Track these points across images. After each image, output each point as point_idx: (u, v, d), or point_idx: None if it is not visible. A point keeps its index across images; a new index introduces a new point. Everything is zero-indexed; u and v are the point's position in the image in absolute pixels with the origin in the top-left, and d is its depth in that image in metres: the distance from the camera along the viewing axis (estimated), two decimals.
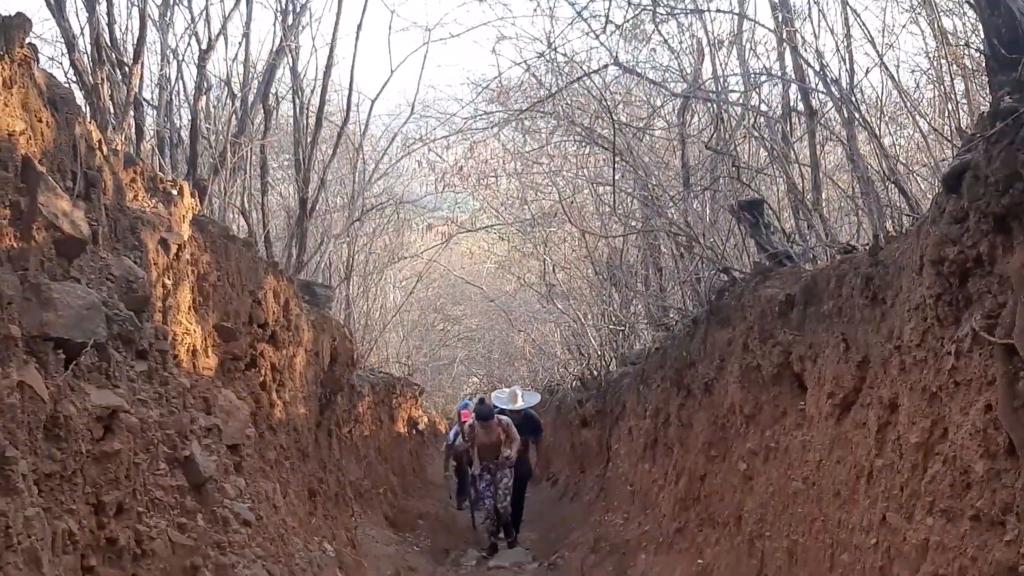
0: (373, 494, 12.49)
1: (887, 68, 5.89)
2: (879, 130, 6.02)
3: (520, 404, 13.68)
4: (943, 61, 5.58)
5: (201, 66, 8.34)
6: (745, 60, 8.49)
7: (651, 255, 12.11)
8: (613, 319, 13.99)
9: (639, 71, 9.37)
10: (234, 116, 9.17)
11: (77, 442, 3.09)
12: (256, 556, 4.78)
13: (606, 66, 8.87)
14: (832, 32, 6.51)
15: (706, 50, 9.18)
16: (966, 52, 5.21)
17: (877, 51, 5.81)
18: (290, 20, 9.51)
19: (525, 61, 9.72)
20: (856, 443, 4.49)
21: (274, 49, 9.35)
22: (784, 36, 7.01)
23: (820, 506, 4.89)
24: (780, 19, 7.09)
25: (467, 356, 32.68)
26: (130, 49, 6.93)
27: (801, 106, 7.37)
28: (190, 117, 8.18)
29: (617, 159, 9.14)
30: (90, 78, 6.10)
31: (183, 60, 8.80)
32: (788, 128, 7.71)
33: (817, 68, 6.54)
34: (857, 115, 6.09)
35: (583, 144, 11.05)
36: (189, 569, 3.94)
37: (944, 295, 3.46)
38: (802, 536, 5.12)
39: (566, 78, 9.64)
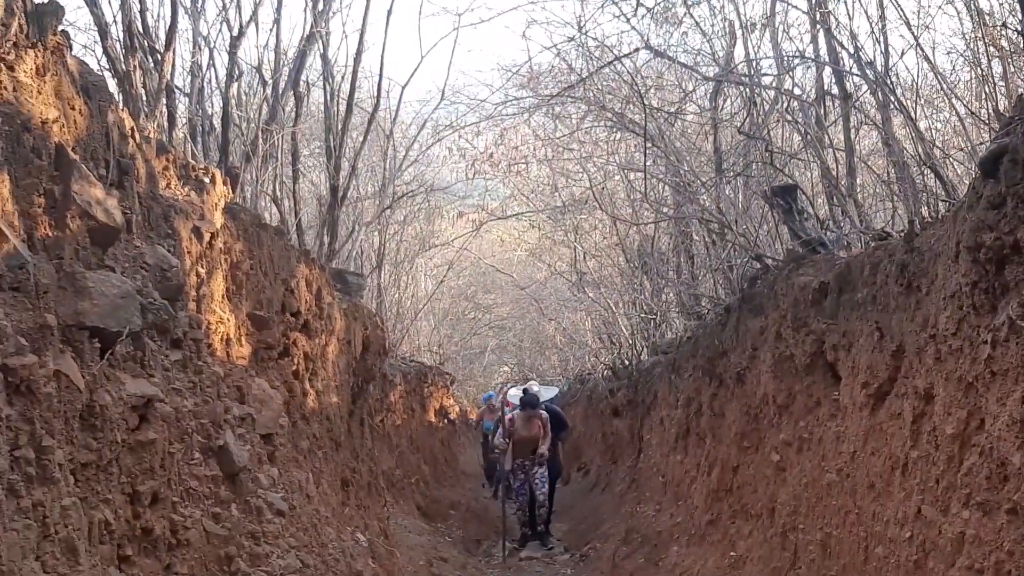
0: (405, 484, 12.55)
1: (922, 50, 5.81)
2: (915, 114, 5.94)
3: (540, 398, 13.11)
4: (980, 42, 5.50)
5: (232, 53, 8.38)
6: (778, 43, 8.41)
7: (683, 242, 12.07)
8: (644, 307, 13.94)
9: (670, 55, 9.30)
10: (265, 103, 9.20)
11: (112, 431, 3.12)
12: (290, 546, 4.82)
13: (637, 50, 8.82)
14: (866, 14, 6.44)
15: (738, 33, 9.11)
16: (1003, 33, 5.13)
17: (912, 33, 5.74)
18: (320, 6, 9.52)
19: (555, 45, 9.76)
20: (891, 434, 4.44)
21: (305, 35, 9.37)
22: (818, 18, 6.95)
23: (854, 498, 4.84)
24: (814, 1, 7.01)
25: (498, 345, 32.73)
26: (162, 36, 6.97)
27: (835, 89, 7.31)
28: (222, 104, 8.23)
29: (648, 145, 9.09)
30: (122, 65, 6.14)
31: (214, 47, 8.85)
32: (822, 112, 7.63)
33: (851, 51, 6.48)
34: (892, 98, 6.02)
35: (614, 129, 11.00)
36: (224, 559, 3.97)
37: (980, 282, 3.40)
38: (836, 529, 5.08)
39: (597, 62, 9.60)
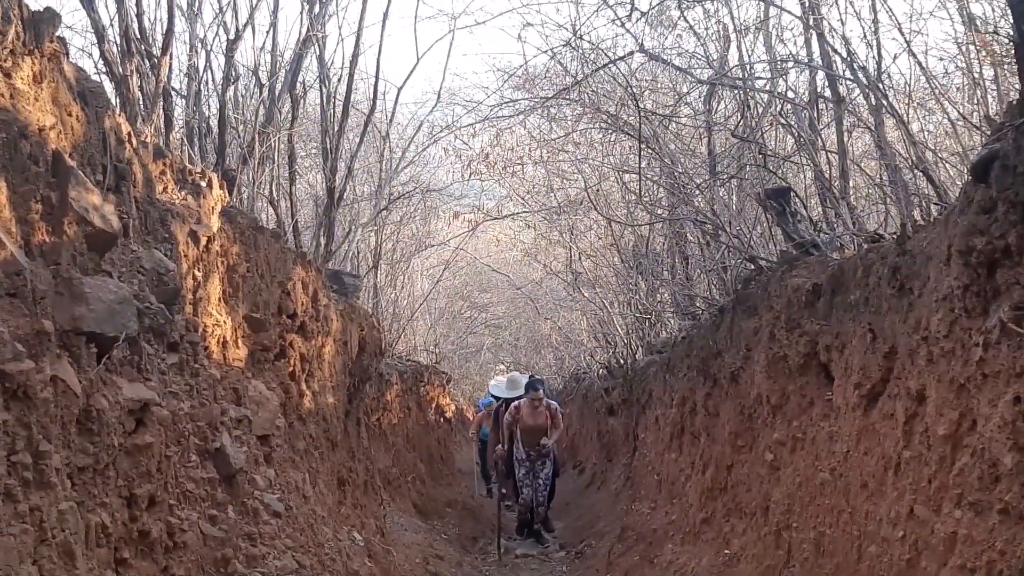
0: (401, 482, 12.56)
1: (914, 55, 5.84)
2: (907, 117, 5.97)
3: (520, 391, 12.73)
4: (971, 47, 5.53)
5: (229, 56, 8.39)
6: (771, 46, 8.45)
7: (677, 243, 12.08)
8: (639, 307, 13.97)
9: (665, 58, 9.33)
10: (262, 106, 9.22)
11: (109, 435, 3.14)
12: (286, 547, 4.84)
13: (632, 53, 8.84)
14: (859, 18, 6.48)
15: (732, 36, 9.14)
16: (995, 38, 5.16)
17: (905, 37, 5.77)
18: (317, 9, 9.53)
19: (551, 48, 9.73)
20: (883, 434, 4.47)
21: (301, 38, 9.38)
22: (811, 22, 6.97)
23: (847, 498, 4.87)
24: (807, 5, 7.04)
25: (494, 344, 32.79)
26: (159, 40, 6.98)
27: (828, 93, 7.33)
28: (218, 107, 8.24)
29: (643, 147, 9.11)
30: (119, 69, 6.15)
31: (211, 50, 8.87)
32: (815, 115, 7.66)
33: (844, 54, 6.50)
34: (885, 102, 6.04)
35: (609, 132, 11.01)
36: (220, 561, 3.99)
37: (972, 286, 3.43)
38: (829, 528, 5.11)
39: (592, 65, 9.62)
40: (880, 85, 6.08)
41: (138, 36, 6.68)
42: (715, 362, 8.31)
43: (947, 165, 5.95)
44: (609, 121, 10.16)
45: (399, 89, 18.23)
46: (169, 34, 6.65)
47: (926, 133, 6.80)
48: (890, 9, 5.94)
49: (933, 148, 6.19)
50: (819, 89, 7.72)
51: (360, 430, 9.24)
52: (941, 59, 6.83)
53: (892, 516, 4.18)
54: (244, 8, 8.88)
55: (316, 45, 9.97)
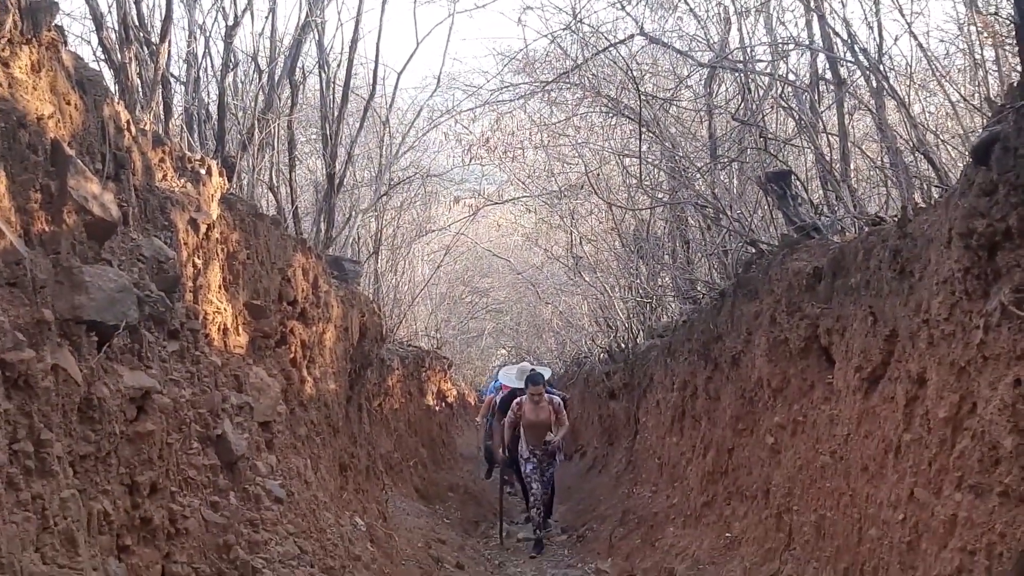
0: (403, 467, 12.60)
1: (915, 36, 5.82)
2: (908, 99, 5.95)
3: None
4: (973, 28, 5.51)
5: (228, 42, 8.36)
6: (772, 29, 8.42)
7: (678, 227, 12.08)
8: (640, 292, 13.97)
9: (665, 41, 9.30)
10: (261, 92, 9.19)
11: (111, 423, 3.14)
12: (288, 533, 4.86)
13: (632, 36, 8.82)
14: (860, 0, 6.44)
15: (733, 19, 9.11)
16: (996, 19, 5.14)
17: (905, 18, 5.74)
18: None
19: (551, 32, 9.70)
20: (884, 417, 4.48)
21: (300, 24, 9.35)
22: (811, 4, 6.94)
23: (848, 480, 4.89)
24: None
25: (495, 328, 32.86)
26: (158, 26, 6.95)
27: (829, 75, 7.31)
28: (218, 93, 8.21)
29: (644, 130, 9.10)
30: (118, 56, 6.13)
31: (210, 36, 8.83)
32: (816, 98, 7.64)
33: (845, 36, 6.48)
34: (886, 84, 6.02)
35: (609, 115, 10.99)
36: (222, 547, 4.01)
37: (973, 268, 3.43)
38: (830, 510, 5.12)
39: (592, 49, 9.60)
40: (881, 67, 6.06)
41: (136, 23, 6.66)
42: (716, 346, 8.33)
43: (948, 147, 5.94)
44: (610, 105, 10.14)
45: (399, 74, 18.26)
46: (168, 20, 6.62)
47: (927, 115, 6.77)
48: None
49: (934, 130, 6.17)
50: (820, 71, 7.70)
51: (362, 415, 9.26)
52: (942, 40, 6.84)
53: (893, 499, 4.19)
54: None
55: (315, 30, 9.94)
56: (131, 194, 3.97)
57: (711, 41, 9.51)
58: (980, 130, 4.10)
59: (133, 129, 4.23)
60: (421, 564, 7.89)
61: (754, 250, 7.71)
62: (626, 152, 11.30)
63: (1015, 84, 3.36)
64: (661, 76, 11.11)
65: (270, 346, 6.02)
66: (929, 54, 5.80)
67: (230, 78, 8.58)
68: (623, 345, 15.56)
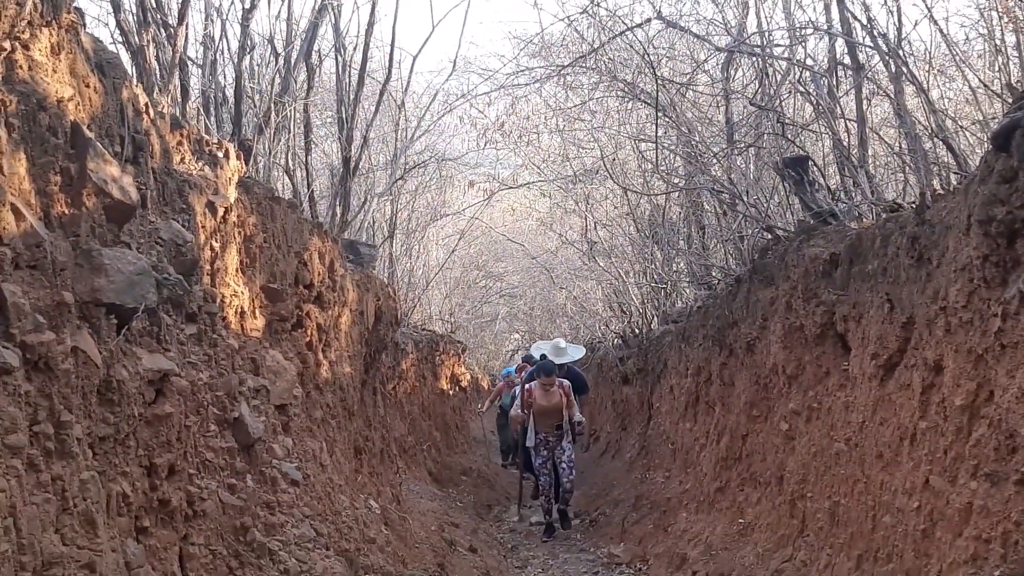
0: (417, 450, 12.64)
1: (935, 21, 5.77)
2: (927, 85, 5.91)
3: (567, 358, 12.44)
4: (993, 13, 5.46)
5: (245, 25, 8.35)
6: (791, 13, 8.36)
7: (694, 213, 12.05)
8: (655, 277, 13.94)
9: (682, 25, 9.24)
10: (278, 75, 9.18)
11: (130, 406, 3.17)
12: (304, 515, 4.89)
13: (649, 20, 8.75)
14: None
15: (751, 2, 9.07)
16: (1017, 3, 5.09)
17: (926, 3, 5.70)
18: None
19: (567, 16, 9.65)
20: (900, 405, 4.47)
21: (317, 6, 9.32)
22: None
23: (862, 468, 4.88)
24: None
25: (509, 313, 32.85)
26: (175, 9, 6.95)
27: (847, 60, 7.26)
28: (234, 77, 8.21)
29: (660, 115, 9.05)
30: (136, 39, 6.13)
31: (227, 19, 8.82)
32: (834, 83, 7.59)
33: (864, 21, 6.43)
34: (905, 69, 5.98)
35: (626, 100, 10.94)
36: (239, 529, 4.04)
37: (991, 256, 3.41)
38: (844, 497, 5.12)
39: (609, 32, 9.54)
40: (900, 52, 6.02)
41: (154, 5, 6.65)
42: (731, 332, 8.31)
43: (967, 133, 5.89)
44: (626, 89, 10.09)
45: (414, 57, 18.23)
46: (185, 3, 6.61)
47: (946, 101, 6.73)
48: None
49: (953, 116, 6.13)
50: (838, 56, 7.65)
51: (376, 399, 9.29)
52: (962, 26, 6.76)
53: (907, 486, 4.18)
54: None
55: (331, 13, 9.91)
56: (149, 177, 3.98)
57: (728, 25, 9.45)
58: (1000, 116, 4.07)
59: (151, 112, 4.24)
60: (434, 547, 7.93)
61: (770, 236, 7.68)
62: (642, 137, 11.26)
63: None
64: (678, 60, 11.05)
65: (286, 329, 6.04)
66: (949, 39, 5.75)
67: (247, 61, 8.57)
68: (637, 330, 15.54)
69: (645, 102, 9.87)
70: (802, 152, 7.46)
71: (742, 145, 9.05)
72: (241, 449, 4.41)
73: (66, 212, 3.05)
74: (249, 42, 8.51)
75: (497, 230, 23.20)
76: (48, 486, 2.60)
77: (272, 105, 8.33)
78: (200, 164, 4.92)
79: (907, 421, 4.31)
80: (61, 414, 2.71)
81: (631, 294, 15.66)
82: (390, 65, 11.10)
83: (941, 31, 5.74)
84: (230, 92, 8.19)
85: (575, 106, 12.18)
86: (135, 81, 4.42)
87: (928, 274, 4.24)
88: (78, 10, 3.52)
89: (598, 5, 8.99)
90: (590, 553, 9.60)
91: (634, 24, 8.89)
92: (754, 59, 8.63)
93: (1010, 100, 3.84)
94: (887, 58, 6.19)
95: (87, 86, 3.42)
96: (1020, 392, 3.12)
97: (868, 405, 4.92)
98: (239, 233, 5.22)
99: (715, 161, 9.18)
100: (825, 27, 7.50)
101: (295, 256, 6.31)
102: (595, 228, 16.08)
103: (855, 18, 6.67)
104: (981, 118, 5.42)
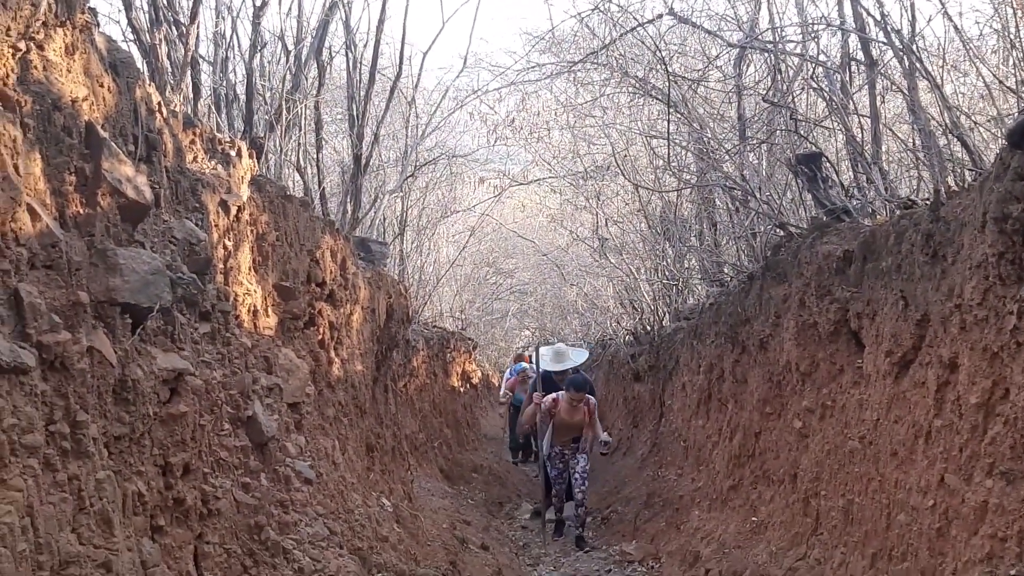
0: (428, 447, 12.65)
1: (950, 16, 5.73)
2: (941, 80, 5.88)
3: (567, 363, 12.18)
4: (1008, 8, 5.43)
5: (256, 22, 8.36)
6: (803, 8, 8.33)
7: (706, 209, 12.01)
8: (666, 274, 13.92)
9: (694, 21, 9.21)
10: (289, 72, 9.19)
11: (145, 405, 3.18)
12: (317, 514, 4.90)
13: (660, 16, 8.73)
14: None
15: None
16: None
17: None
18: None
19: (578, 12, 9.63)
20: (914, 402, 4.45)
21: (327, 3, 9.34)
22: None
23: (877, 466, 4.87)
24: None
25: (519, 310, 32.82)
26: (186, 6, 6.96)
27: (861, 56, 7.22)
28: (245, 74, 8.22)
29: (671, 111, 9.04)
30: (148, 37, 6.14)
31: (238, 16, 8.84)
32: (847, 79, 7.56)
33: (877, 16, 6.39)
34: (918, 65, 5.95)
35: (637, 96, 10.91)
36: (254, 528, 4.05)
37: (1007, 253, 3.40)
38: (858, 496, 5.11)
39: (620, 28, 9.51)
40: (914, 48, 5.98)
41: (166, 3, 6.67)
42: (744, 329, 8.29)
43: (982, 130, 5.86)
44: (637, 85, 10.07)
45: (425, 54, 18.15)
46: (197, 1, 6.63)
47: (960, 97, 6.69)
48: None
49: (968, 112, 6.09)
50: (851, 52, 7.61)
51: (388, 397, 9.31)
52: (977, 21, 6.73)
53: (922, 485, 4.17)
54: None
55: (342, 10, 9.91)
56: (163, 176, 3.98)
57: (740, 21, 9.42)
58: (1016, 113, 4.05)
59: (164, 111, 4.24)
60: (446, 545, 7.94)
61: (783, 233, 7.66)
62: (653, 133, 11.24)
63: None
64: (690, 56, 11.02)
65: (299, 327, 6.05)
66: (963, 35, 5.72)
67: (258, 58, 8.59)
68: (649, 327, 15.52)
69: (656, 98, 9.85)
70: (815, 148, 7.44)
71: (754, 141, 9.03)
72: (255, 448, 4.43)
73: (81, 212, 3.06)
74: (260, 39, 8.52)
75: (507, 227, 23.16)
76: (64, 486, 2.62)
77: (283, 102, 8.35)
78: (213, 163, 4.93)
79: (922, 419, 4.30)
80: (77, 414, 2.71)
81: (642, 291, 15.63)
82: (400, 61, 11.09)
83: (955, 26, 5.71)
84: (241, 90, 8.20)
85: (586, 102, 12.16)
86: (147, 80, 4.42)
87: (943, 271, 4.23)
88: (92, 10, 3.52)
89: (609, 1, 8.98)
90: (602, 551, 9.61)
91: (645, 20, 8.87)
92: (766, 55, 8.60)
93: None
94: (901, 54, 6.15)
95: (101, 86, 3.42)
96: None
97: (882, 403, 4.90)
98: (252, 231, 5.23)
99: (727, 157, 9.16)
100: (838, 23, 7.46)
101: (307, 254, 6.32)
102: (606, 224, 16.05)
103: (868, 13, 6.64)
104: (996, 114, 5.39)
